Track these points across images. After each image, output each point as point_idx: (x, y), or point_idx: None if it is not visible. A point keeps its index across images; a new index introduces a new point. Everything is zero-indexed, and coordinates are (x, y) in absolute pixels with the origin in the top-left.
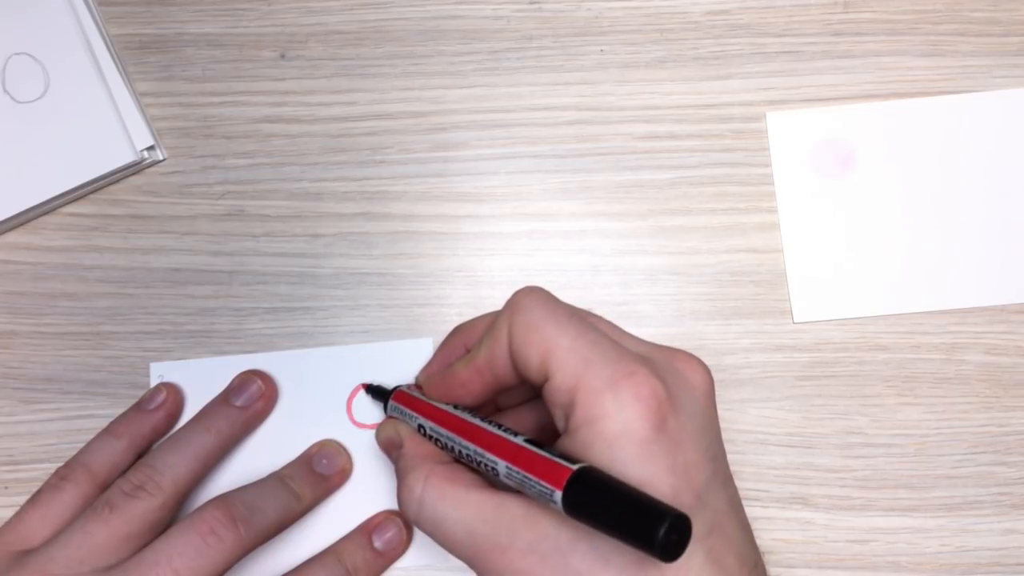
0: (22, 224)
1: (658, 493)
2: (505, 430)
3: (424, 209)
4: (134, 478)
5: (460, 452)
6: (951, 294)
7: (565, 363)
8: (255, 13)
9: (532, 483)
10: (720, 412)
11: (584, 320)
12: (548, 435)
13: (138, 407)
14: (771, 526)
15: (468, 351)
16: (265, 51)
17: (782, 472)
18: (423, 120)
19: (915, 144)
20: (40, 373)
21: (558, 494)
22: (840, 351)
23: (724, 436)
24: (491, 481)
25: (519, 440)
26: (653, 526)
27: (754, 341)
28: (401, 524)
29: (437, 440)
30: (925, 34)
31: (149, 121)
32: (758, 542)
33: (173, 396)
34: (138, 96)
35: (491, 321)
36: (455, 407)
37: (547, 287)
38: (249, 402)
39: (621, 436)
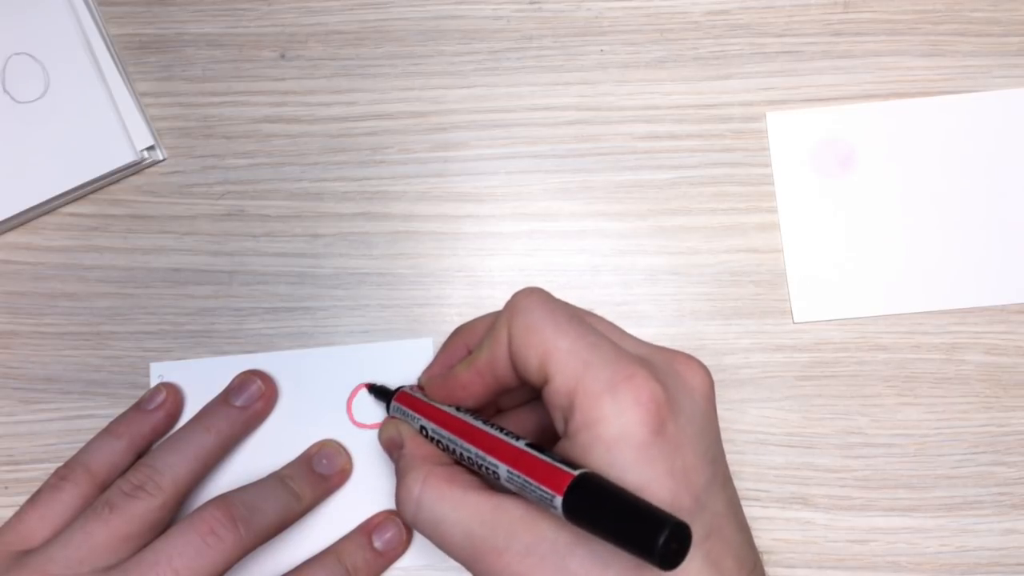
0: (22, 224)
1: (657, 497)
2: (507, 433)
3: (424, 209)
4: (134, 478)
5: (461, 454)
6: (951, 294)
7: (564, 366)
8: (255, 13)
9: (533, 487)
10: (720, 412)
11: (583, 321)
12: (549, 436)
13: (138, 407)
14: (771, 526)
15: (470, 352)
16: (265, 51)
17: (782, 472)
18: (423, 120)
19: (915, 144)
20: (40, 373)
21: (558, 499)
22: (840, 351)
23: (724, 436)
24: (491, 484)
25: (520, 444)
26: (653, 534)
27: (754, 341)
28: (401, 524)
29: (439, 442)
30: (925, 34)
31: (149, 121)
32: (758, 542)
33: (173, 396)
34: (138, 96)
35: (492, 322)
36: (457, 409)
37: (547, 287)
38: (249, 402)
39: (620, 440)
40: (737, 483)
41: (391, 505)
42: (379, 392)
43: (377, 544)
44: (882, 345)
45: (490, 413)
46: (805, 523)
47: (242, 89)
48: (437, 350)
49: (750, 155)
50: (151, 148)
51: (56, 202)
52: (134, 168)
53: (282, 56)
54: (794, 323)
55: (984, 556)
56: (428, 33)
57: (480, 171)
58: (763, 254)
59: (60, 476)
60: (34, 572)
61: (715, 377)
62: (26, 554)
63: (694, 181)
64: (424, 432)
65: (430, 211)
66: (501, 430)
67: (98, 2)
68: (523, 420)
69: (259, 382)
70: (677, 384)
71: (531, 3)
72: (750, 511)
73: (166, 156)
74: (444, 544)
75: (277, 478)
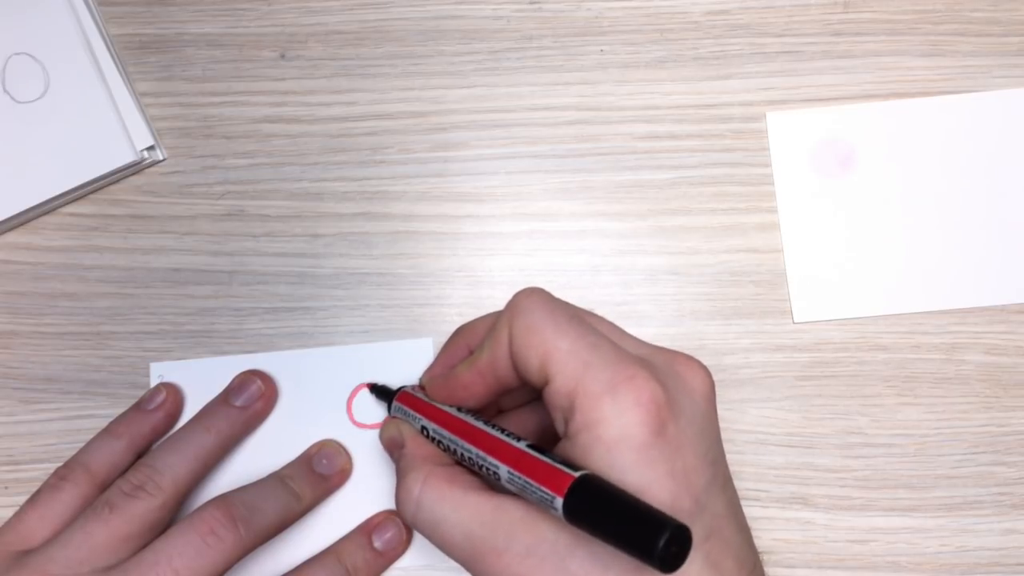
0: (22, 224)
1: (657, 498)
2: (508, 434)
3: (424, 209)
4: (134, 478)
5: (462, 455)
6: (951, 294)
7: (564, 366)
8: (255, 13)
9: (533, 489)
10: (720, 412)
11: (584, 322)
12: (550, 437)
13: (138, 407)
14: (771, 526)
15: (471, 352)
16: (265, 51)
17: (782, 472)
18: (423, 120)
19: (915, 144)
20: (40, 373)
21: (559, 501)
22: (840, 351)
23: (724, 436)
24: (492, 485)
25: (521, 445)
26: (653, 537)
27: (754, 341)
28: (401, 524)
29: (439, 442)
30: (925, 34)
31: (149, 121)
32: (758, 542)
33: (173, 396)
34: (138, 96)
35: (493, 322)
36: (458, 409)
37: (547, 287)
38: (249, 402)
39: (620, 441)
40: (737, 483)
41: (391, 505)
42: (381, 392)
43: (377, 544)
44: (882, 345)
45: (491, 413)
46: (805, 523)
47: (242, 89)
48: (437, 350)
49: (750, 155)
50: (151, 148)
51: (56, 202)
52: (134, 168)
53: (282, 56)
54: (794, 323)
55: (984, 556)
56: (428, 33)
57: (480, 171)
58: (763, 254)
59: (60, 476)
60: (34, 572)
61: (715, 377)
62: (26, 554)
63: (694, 181)
64: (425, 432)
65: (430, 211)
66: (502, 431)
67: (98, 2)
68: (524, 421)
69: (259, 382)
70: (677, 385)
71: (531, 3)
72: (750, 511)
73: (166, 156)
74: (444, 544)
75: (277, 478)
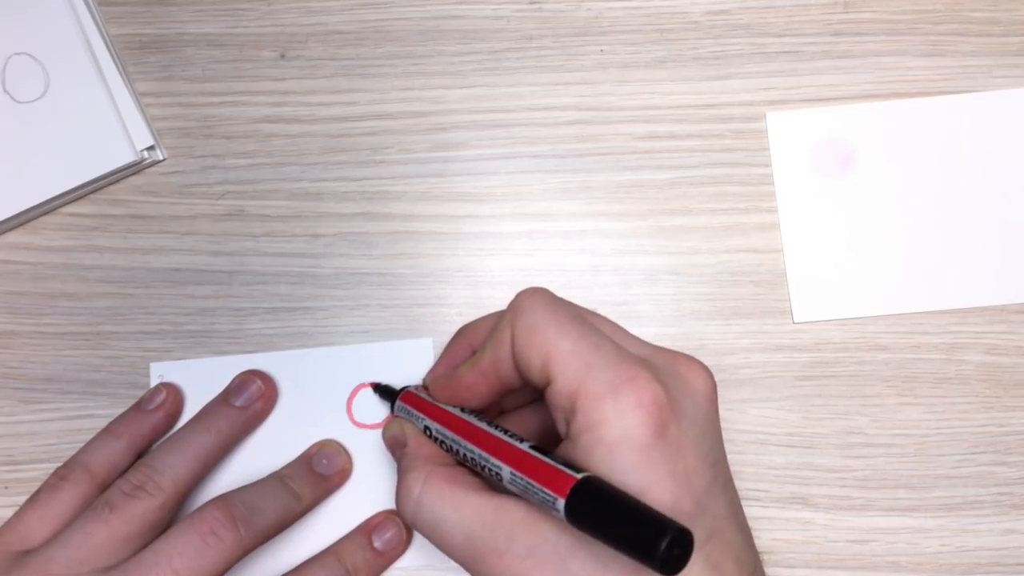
0: (22, 224)
1: (658, 499)
2: (511, 435)
3: (424, 209)
4: (134, 478)
5: (464, 455)
6: (951, 294)
7: (567, 367)
8: (255, 13)
9: (535, 490)
10: (720, 412)
11: (586, 322)
12: (552, 438)
13: (138, 407)
14: (771, 526)
15: (474, 352)
16: (265, 51)
17: (782, 472)
18: (423, 120)
19: (915, 144)
20: (40, 373)
21: (561, 502)
22: (840, 351)
23: (724, 436)
24: (493, 486)
25: (524, 446)
26: (654, 540)
27: (754, 341)
28: (401, 524)
29: (442, 442)
30: (925, 34)
31: (149, 121)
32: (758, 542)
33: (173, 396)
34: (138, 96)
35: (495, 322)
36: (461, 410)
37: (547, 287)
38: (249, 402)
39: (622, 443)
40: (737, 483)
41: (391, 505)
42: (384, 392)
43: (377, 544)
44: (882, 345)
45: (493, 414)
46: (805, 523)
47: (242, 89)
48: (437, 350)
49: (750, 155)
50: (151, 148)
51: (56, 202)
52: (134, 168)
53: (282, 56)
54: (794, 323)
55: (984, 556)
56: (428, 33)
57: (480, 171)
58: (763, 254)
59: (60, 476)
60: (34, 572)
61: (715, 377)
62: (26, 554)
63: (694, 181)
64: (428, 432)
65: (430, 211)
66: (505, 432)
67: (98, 2)
68: (526, 421)
69: (259, 382)
70: (679, 386)
71: (531, 3)
72: (750, 511)
73: (166, 156)
74: (443, 544)
75: (277, 478)
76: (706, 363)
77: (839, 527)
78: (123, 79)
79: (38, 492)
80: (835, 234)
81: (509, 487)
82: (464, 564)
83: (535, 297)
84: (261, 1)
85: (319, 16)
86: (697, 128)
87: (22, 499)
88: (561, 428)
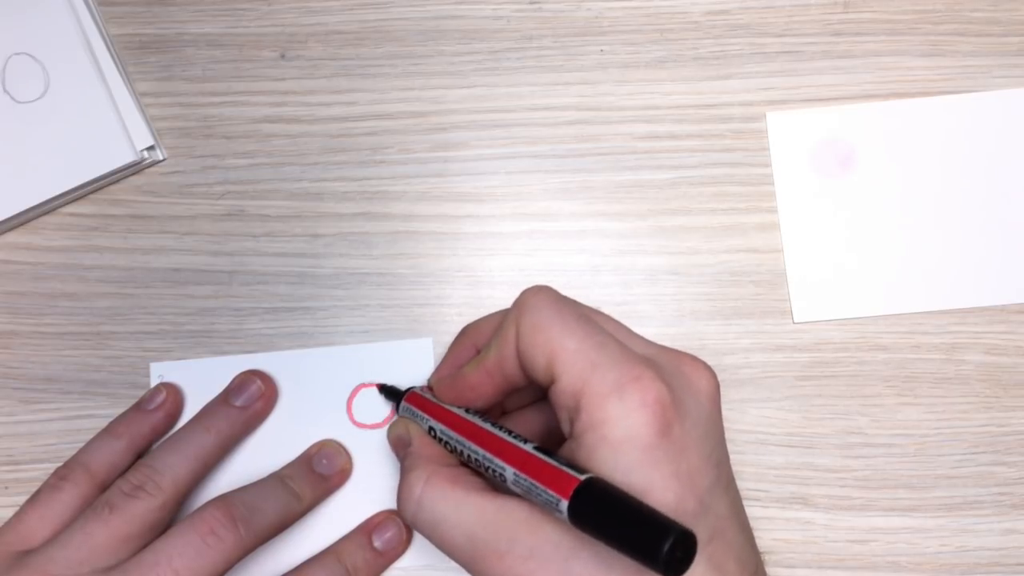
0: (22, 224)
1: (661, 499)
2: (515, 436)
3: (424, 209)
4: (134, 478)
5: (469, 456)
6: (951, 294)
7: (571, 366)
8: (255, 13)
9: (539, 491)
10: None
11: (591, 321)
12: (555, 438)
13: (138, 407)
14: (771, 526)
15: (478, 352)
16: (265, 51)
17: (782, 472)
18: (423, 120)
19: (915, 144)
20: (40, 373)
21: (564, 503)
22: (840, 351)
23: (724, 436)
24: (497, 487)
25: (528, 447)
26: (657, 541)
27: (754, 341)
28: (401, 524)
29: (446, 443)
30: (925, 34)
31: (149, 121)
32: (758, 542)
33: (173, 396)
34: (138, 96)
35: (499, 321)
36: (466, 411)
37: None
38: (249, 402)
39: (626, 442)
40: (737, 483)
41: (391, 505)
42: (389, 392)
43: (377, 544)
44: (882, 345)
45: (495, 415)
46: (805, 523)
47: (242, 89)
48: (437, 350)
49: (750, 155)
50: (151, 148)
51: (56, 202)
52: (134, 168)
53: (282, 56)
54: (794, 323)
55: (984, 556)
56: (428, 33)
57: (480, 171)
58: (763, 254)
59: (60, 476)
60: (34, 572)
61: None
62: (26, 554)
63: (694, 181)
64: (433, 433)
65: (430, 211)
66: (509, 433)
67: (98, 2)
68: (529, 421)
69: (259, 382)
70: (683, 386)
71: (531, 3)
72: (750, 511)
73: (166, 156)
74: (444, 545)
75: (277, 478)
76: (710, 366)
77: (839, 527)
78: (123, 79)
79: (38, 492)
80: (835, 234)
81: (513, 488)
82: (465, 565)
83: (540, 295)
84: (261, 1)
85: (319, 16)
86: (697, 128)
87: (22, 499)
88: (565, 427)
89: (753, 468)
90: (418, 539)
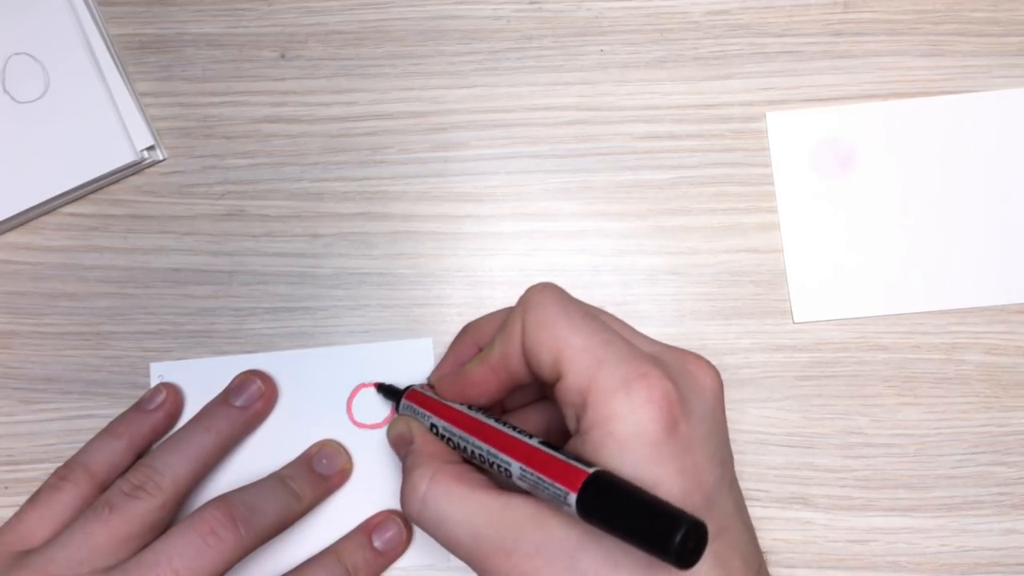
0: (22, 224)
1: (668, 496)
2: (519, 431)
3: (424, 209)
4: (134, 478)
5: (472, 452)
6: (951, 294)
7: (578, 363)
8: (255, 13)
9: (546, 485)
10: None
11: (597, 319)
12: (556, 436)
13: (138, 407)
14: (771, 526)
15: (480, 350)
16: (265, 51)
17: (782, 472)
18: (423, 120)
19: (915, 144)
20: (40, 373)
21: (572, 496)
22: (840, 351)
23: None
24: (501, 483)
25: (534, 442)
26: (669, 532)
27: (754, 341)
28: (401, 524)
29: (449, 440)
30: (925, 34)
31: (149, 121)
32: (758, 542)
33: (173, 396)
34: (138, 96)
35: (502, 319)
36: (468, 407)
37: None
38: (249, 402)
39: (632, 438)
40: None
41: (391, 505)
42: (388, 391)
43: (377, 544)
44: (882, 345)
45: (496, 413)
46: (805, 523)
47: (242, 89)
48: (437, 350)
49: (750, 155)
50: (151, 148)
51: (56, 202)
52: (134, 168)
53: (282, 56)
54: (794, 323)
55: (984, 556)
56: (428, 33)
57: (480, 171)
58: (763, 254)
59: (60, 476)
60: (34, 572)
61: None
62: (26, 554)
63: (694, 181)
64: (434, 430)
65: (430, 211)
66: (513, 428)
67: (98, 2)
68: (530, 419)
69: (259, 382)
70: (689, 383)
71: (531, 3)
72: (750, 511)
73: (166, 156)
74: (448, 543)
75: (277, 478)
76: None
77: (839, 527)
78: (123, 79)
79: (38, 492)
80: (835, 234)
81: (518, 483)
82: (470, 562)
83: (546, 293)
84: (261, 1)
85: (319, 16)
86: (697, 128)
87: (22, 499)
88: (571, 424)
89: (753, 468)
90: (418, 539)
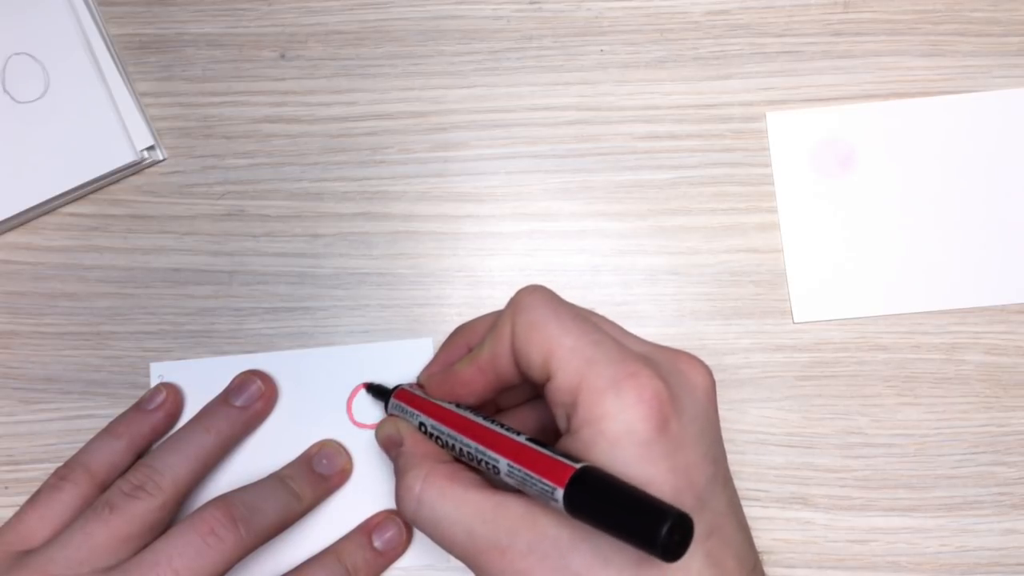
0: (22, 224)
1: (659, 494)
2: (507, 428)
3: (424, 209)
4: (134, 478)
5: (461, 450)
6: (951, 294)
7: (568, 363)
8: (255, 13)
9: (534, 481)
10: (720, 412)
11: (587, 320)
12: (548, 436)
13: (138, 407)
14: (771, 526)
15: (470, 350)
16: (265, 51)
17: (782, 472)
18: (423, 120)
19: (915, 144)
20: (40, 373)
21: (560, 492)
22: (840, 351)
23: (724, 436)
24: (491, 480)
25: (521, 439)
26: (655, 526)
27: (754, 341)
28: (401, 524)
29: (438, 438)
30: (925, 34)
31: (149, 121)
32: (758, 542)
33: (173, 396)
34: (138, 96)
35: (493, 320)
36: (457, 406)
37: (547, 287)
38: (249, 402)
39: (623, 437)
40: (737, 483)
41: (391, 505)
42: (377, 391)
43: (377, 544)
44: (882, 345)
45: (489, 413)
46: (805, 523)
47: (242, 89)
48: (437, 350)
49: (750, 155)
50: (151, 148)
51: (56, 202)
52: (134, 168)
53: (282, 56)
54: (794, 323)
55: (984, 556)
56: (428, 33)
57: (480, 171)
58: (763, 254)
59: (60, 476)
60: (34, 572)
61: (715, 377)
62: (26, 554)
63: (694, 181)
64: (423, 429)
65: (430, 211)
66: (501, 425)
67: (98, 2)
68: (522, 419)
69: (259, 382)
70: (680, 382)
71: (531, 3)
72: (750, 511)
73: (166, 156)
74: (445, 542)
75: (277, 478)
76: (706, 363)
77: (839, 527)
78: (123, 79)
79: (38, 492)
80: (835, 234)
81: (507, 480)
82: (466, 561)
83: (536, 294)
84: (261, 1)
85: (319, 16)
86: (697, 128)
87: (22, 499)
88: (561, 424)
89: (753, 468)
90: (418, 539)
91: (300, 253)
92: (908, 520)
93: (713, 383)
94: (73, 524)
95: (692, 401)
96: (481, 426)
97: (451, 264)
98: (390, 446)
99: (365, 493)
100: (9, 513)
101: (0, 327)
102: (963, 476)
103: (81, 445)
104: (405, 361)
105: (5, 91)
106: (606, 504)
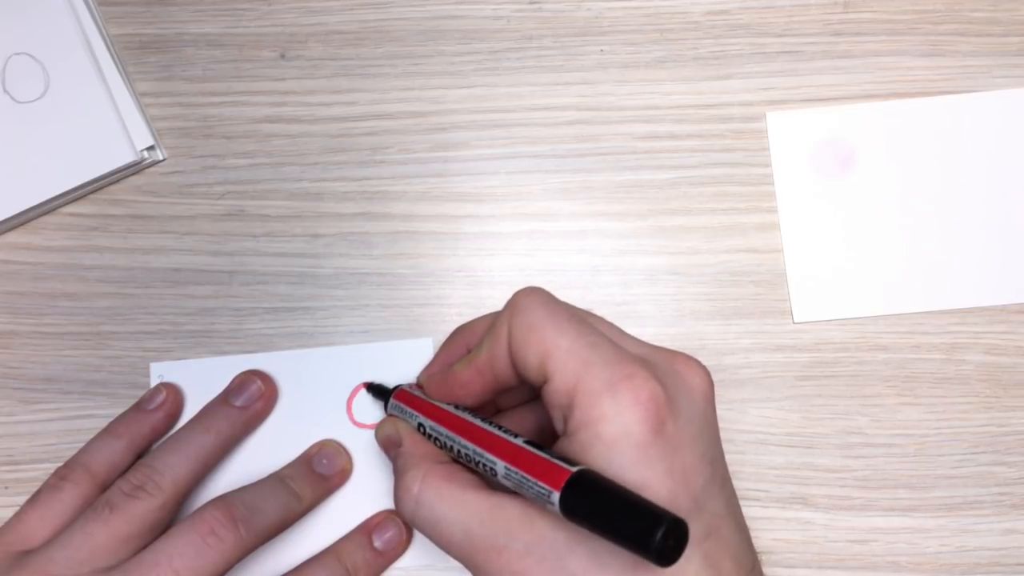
0: (22, 224)
1: (656, 496)
2: (505, 431)
3: (424, 209)
4: (134, 478)
5: (459, 452)
6: (951, 294)
7: (564, 365)
8: (255, 13)
9: (530, 484)
10: (720, 412)
11: (584, 321)
12: (547, 437)
13: (138, 407)
14: (771, 526)
15: (469, 351)
16: (265, 51)
17: (782, 472)
18: (423, 120)
19: (915, 144)
20: (40, 373)
21: (556, 495)
22: (840, 351)
23: (724, 436)
24: (489, 482)
25: (519, 441)
26: (649, 530)
27: (754, 341)
28: (401, 524)
29: (436, 439)
30: (925, 34)
31: (149, 121)
32: (758, 542)
33: (173, 396)
34: (138, 96)
35: (492, 321)
36: (456, 407)
37: (547, 287)
38: (249, 402)
39: (619, 439)
40: (737, 483)
41: (391, 505)
42: (377, 391)
43: (377, 544)
44: (882, 345)
45: (489, 413)
46: (805, 523)
47: (242, 89)
48: (437, 350)
49: (750, 155)
50: (151, 148)
51: (56, 202)
52: (134, 168)
53: (282, 56)
54: (794, 323)
55: (984, 556)
56: (428, 33)
57: (480, 171)
58: (763, 254)
59: (60, 476)
60: (34, 572)
61: (715, 377)
62: (26, 554)
63: (694, 181)
64: (422, 430)
65: (430, 211)
66: (499, 427)
67: (98, 2)
68: (522, 420)
69: (259, 382)
70: (677, 384)
71: (531, 3)
72: (750, 511)
73: (166, 156)
74: (442, 542)
75: (277, 478)
76: (706, 363)
77: (839, 527)
78: (123, 79)
79: (38, 492)
80: (835, 234)
81: (504, 482)
82: (463, 561)
83: (532, 296)
84: (261, 1)
85: (319, 16)
86: (697, 128)
87: (22, 499)
88: (558, 425)
89: (753, 468)
90: (418, 539)
91: (300, 253)
92: (908, 520)
93: (711, 384)
94: (73, 524)
95: (689, 403)
96: (479, 428)
97: (451, 264)
98: (389, 446)
99: (365, 493)
100: (9, 513)
101: (0, 327)
102: (963, 476)
103: (81, 445)
104: (405, 361)
105: (5, 91)
106: (601, 508)
